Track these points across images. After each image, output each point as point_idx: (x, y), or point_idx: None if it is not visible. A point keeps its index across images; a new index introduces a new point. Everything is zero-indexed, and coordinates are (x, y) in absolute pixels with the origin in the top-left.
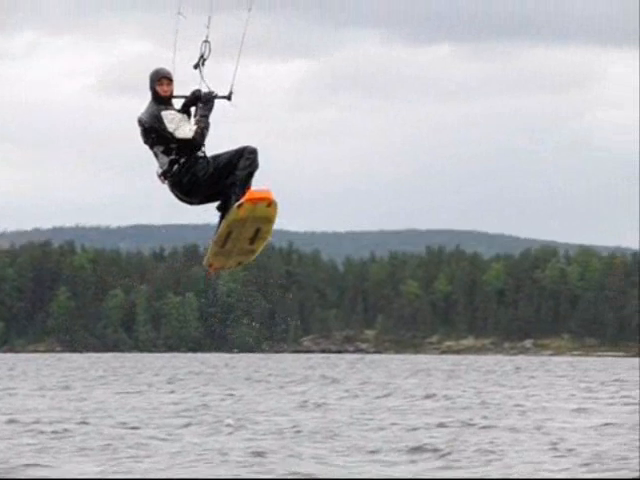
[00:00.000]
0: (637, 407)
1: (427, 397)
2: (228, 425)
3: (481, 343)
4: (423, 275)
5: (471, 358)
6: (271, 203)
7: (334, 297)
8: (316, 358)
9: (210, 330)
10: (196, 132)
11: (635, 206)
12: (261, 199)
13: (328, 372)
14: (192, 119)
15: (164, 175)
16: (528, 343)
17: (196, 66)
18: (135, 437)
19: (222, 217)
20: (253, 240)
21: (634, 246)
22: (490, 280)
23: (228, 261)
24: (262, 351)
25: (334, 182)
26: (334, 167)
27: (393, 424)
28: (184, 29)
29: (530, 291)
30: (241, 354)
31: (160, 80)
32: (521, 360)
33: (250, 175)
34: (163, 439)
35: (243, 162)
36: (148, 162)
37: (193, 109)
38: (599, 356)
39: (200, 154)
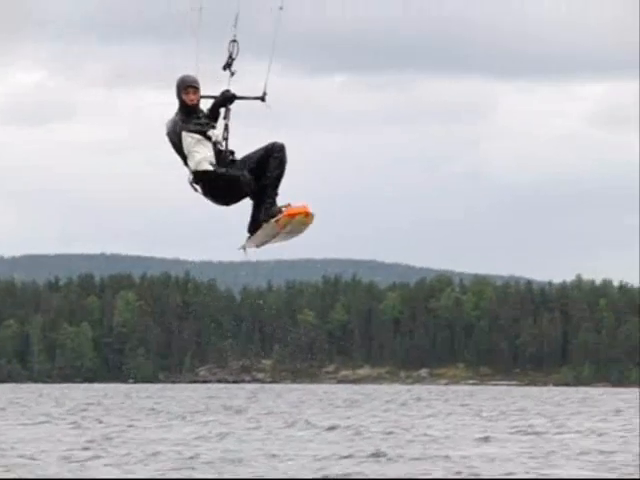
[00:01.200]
0: (536, 436)
1: (331, 428)
2: (134, 457)
3: (377, 372)
4: (319, 304)
5: (369, 387)
6: (308, 214)
7: (230, 326)
8: (214, 388)
9: (105, 360)
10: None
11: (528, 235)
12: (299, 213)
13: (228, 402)
14: (219, 125)
15: (196, 182)
16: (424, 372)
17: (225, 67)
18: (40, 470)
19: (256, 205)
20: (288, 233)
21: (528, 275)
22: (386, 309)
23: (263, 245)
24: (158, 381)
25: (229, 211)
26: None
27: (297, 455)
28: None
29: (426, 320)
30: (138, 384)
31: (186, 89)
32: (418, 389)
33: (281, 174)
34: (69, 471)
35: (273, 162)
36: (40, 190)
37: (222, 110)
38: (494, 385)
39: (229, 158)
